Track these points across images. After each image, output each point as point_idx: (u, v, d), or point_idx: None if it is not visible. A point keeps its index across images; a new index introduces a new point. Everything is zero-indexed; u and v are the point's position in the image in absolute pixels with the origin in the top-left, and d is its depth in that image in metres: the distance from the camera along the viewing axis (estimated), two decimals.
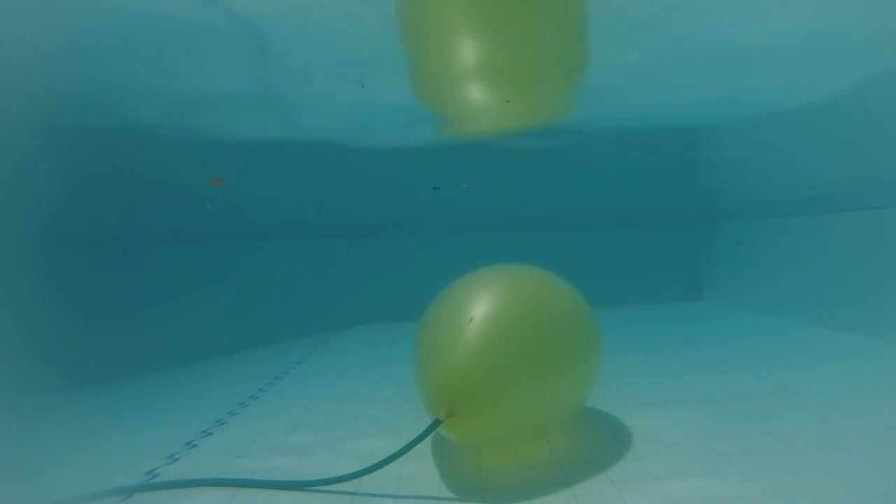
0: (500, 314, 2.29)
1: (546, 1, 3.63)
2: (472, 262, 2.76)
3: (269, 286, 6.25)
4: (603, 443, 2.62)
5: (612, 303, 6.61)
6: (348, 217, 7.15)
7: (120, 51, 3.92)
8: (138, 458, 2.77)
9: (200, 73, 4.38)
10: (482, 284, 2.48)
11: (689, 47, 4.28)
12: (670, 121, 7.08)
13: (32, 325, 3.90)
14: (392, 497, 2.21)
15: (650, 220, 7.60)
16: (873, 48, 4.13)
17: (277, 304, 6.24)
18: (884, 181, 4.47)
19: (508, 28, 3.81)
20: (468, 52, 4.16)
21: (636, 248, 7.49)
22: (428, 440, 2.28)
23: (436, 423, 2.17)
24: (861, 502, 1.95)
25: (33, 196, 4.20)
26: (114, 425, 3.41)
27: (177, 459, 2.75)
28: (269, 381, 4.27)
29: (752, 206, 6.46)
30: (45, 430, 3.34)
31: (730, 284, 6.92)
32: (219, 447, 2.89)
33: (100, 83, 4.31)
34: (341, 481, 2.28)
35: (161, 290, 5.26)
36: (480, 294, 2.38)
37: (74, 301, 4.56)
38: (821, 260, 5.16)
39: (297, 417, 3.31)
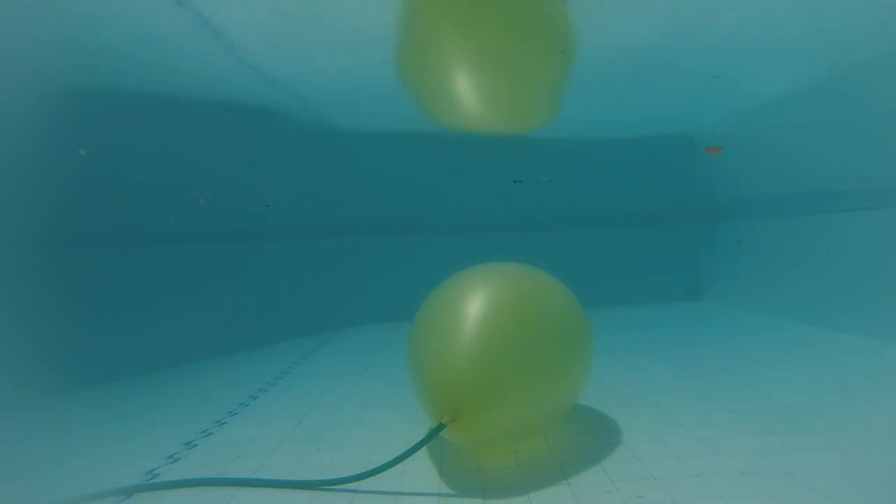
0: (495, 312, 2.29)
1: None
2: (472, 262, 2.76)
3: (269, 286, 6.25)
4: (603, 443, 2.61)
5: (613, 303, 6.63)
6: (349, 217, 7.15)
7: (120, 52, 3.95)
8: (138, 458, 2.76)
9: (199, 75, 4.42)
10: (473, 286, 2.48)
11: (686, 39, 4.27)
12: (669, 121, 7.10)
13: (32, 325, 3.90)
14: (392, 495, 2.21)
15: (650, 220, 7.59)
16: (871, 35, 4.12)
17: (278, 304, 6.24)
18: (884, 181, 4.47)
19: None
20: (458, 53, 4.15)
21: (636, 248, 7.49)
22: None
23: (439, 428, 2.17)
24: (861, 502, 1.95)
25: (33, 195, 4.20)
26: (114, 425, 3.41)
27: (177, 459, 2.75)
28: (269, 381, 4.27)
29: (752, 206, 6.46)
30: (45, 430, 3.34)
31: (730, 284, 6.92)
32: (219, 447, 2.89)
33: (100, 80, 4.34)
34: (342, 483, 2.28)
35: (161, 290, 5.25)
36: (473, 293, 2.38)
37: (74, 301, 4.56)
38: (821, 260, 5.16)
39: (297, 417, 3.30)
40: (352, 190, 7.07)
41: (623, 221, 7.57)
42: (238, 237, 6.14)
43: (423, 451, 2.59)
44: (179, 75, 4.54)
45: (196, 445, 2.94)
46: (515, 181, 6.98)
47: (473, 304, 2.31)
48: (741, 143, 6.58)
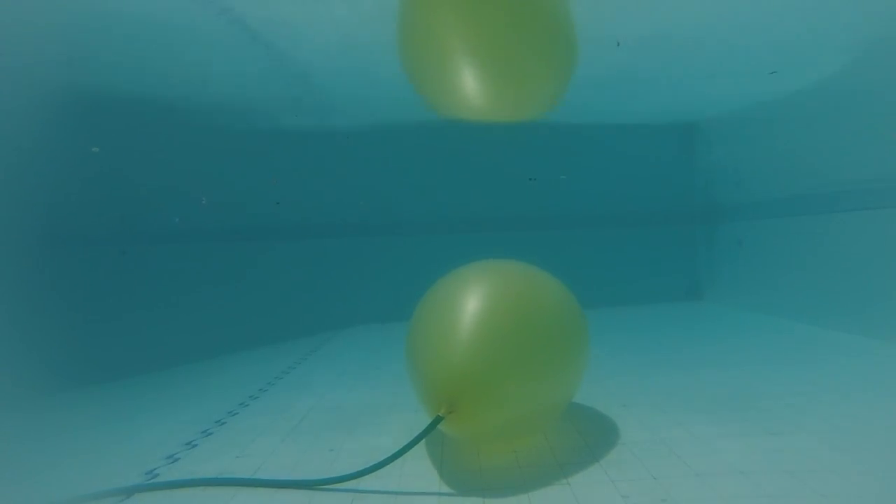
0: (493, 307, 2.30)
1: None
2: (472, 262, 2.76)
3: (269, 286, 6.25)
4: (603, 443, 2.61)
5: (613, 303, 6.64)
6: (348, 217, 7.15)
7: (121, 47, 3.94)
8: (138, 458, 2.76)
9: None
10: (471, 281, 2.50)
11: (683, 35, 4.25)
12: (669, 121, 7.09)
13: (32, 325, 3.90)
14: (392, 495, 2.21)
15: (650, 220, 7.59)
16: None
17: (277, 304, 6.24)
18: (884, 181, 4.47)
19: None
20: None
21: (636, 249, 7.48)
22: (427, 439, 2.28)
23: (437, 420, 2.18)
24: (861, 502, 1.95)
25: (33, 195, 4.20)
26: (114, 425, 3.41)
27: (177, 459, 2.75)
28: (269, 381, 4.27)
29: (752, 206, 6.46)
30: (45, 430, 3.34)
31: (730, 284, 6.92)
32: (219, 447, 2.89)
33: (101, 77, 4.34)
34: (342, 481, 2.28)
35: (161, 290, 5.25)
36: (471, 290, 2.40)
37: (74, 301, 4.56)
38: (821, 260, 5.16)
39: (297, 417, 3.31)
40: (352, 190, 7.07)
41: (623, 221, 7.56)
42: (238, 237, 6.14)
43: (422, 451, 2.60)
44: (183, 72, 4.53)
45: (196, 445, 2.94)
46: (530, 179, 6.91)
47: (471, 297, 2.33)
48: (741, 143, 6.58)
